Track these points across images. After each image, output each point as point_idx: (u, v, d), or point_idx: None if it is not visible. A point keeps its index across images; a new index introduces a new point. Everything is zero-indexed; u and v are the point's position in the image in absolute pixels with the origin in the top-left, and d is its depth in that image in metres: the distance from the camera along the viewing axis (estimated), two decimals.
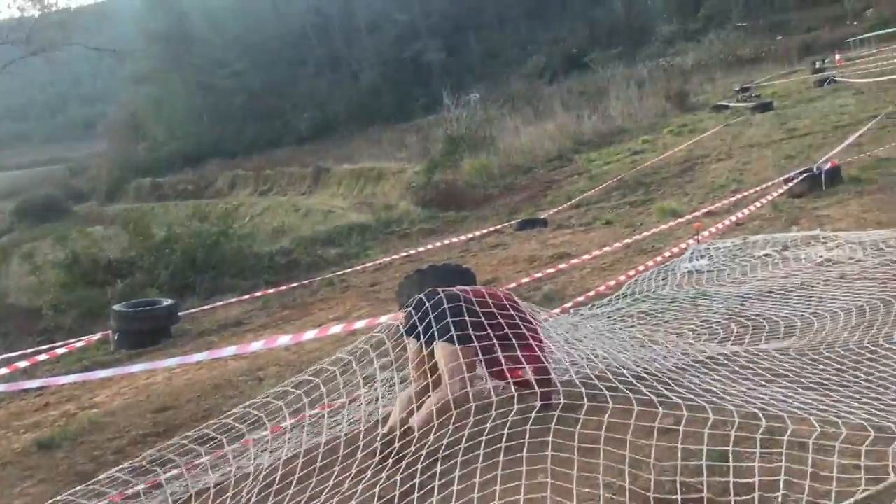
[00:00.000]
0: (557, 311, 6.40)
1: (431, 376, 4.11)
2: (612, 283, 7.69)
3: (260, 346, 6.30)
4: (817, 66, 33.07)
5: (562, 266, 8.90)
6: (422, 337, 4.08)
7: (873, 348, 4.46)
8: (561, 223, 14.27)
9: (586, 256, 9.03)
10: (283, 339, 6.18)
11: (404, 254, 13.27)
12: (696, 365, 4.58)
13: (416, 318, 4.13)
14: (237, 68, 74.02)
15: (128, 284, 12.46)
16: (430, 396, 4.08)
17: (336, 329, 6.32)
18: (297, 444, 4.52)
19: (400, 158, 38.95)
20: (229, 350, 6.08)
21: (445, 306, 4.08)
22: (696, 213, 11.28)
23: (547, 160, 24.14)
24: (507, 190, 20.98)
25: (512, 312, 4.20)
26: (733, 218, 9.58)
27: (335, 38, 75.26)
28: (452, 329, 3.96)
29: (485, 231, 14.41)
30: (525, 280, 8.27)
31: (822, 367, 4.32)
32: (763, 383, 4.16)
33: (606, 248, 9.43)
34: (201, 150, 66.62)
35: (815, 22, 50.34)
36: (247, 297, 11.05)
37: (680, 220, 10.82)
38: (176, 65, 73.54)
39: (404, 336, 4.30)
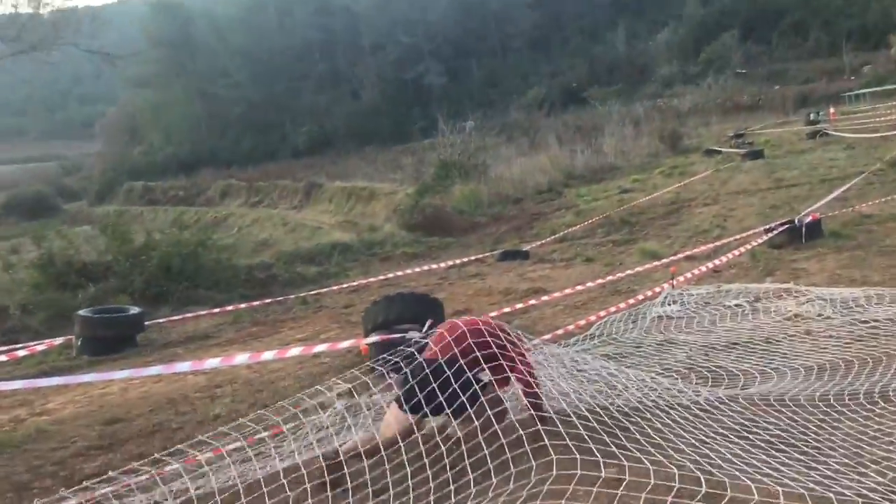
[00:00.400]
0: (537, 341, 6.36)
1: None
2: (583, 322, 7.61)
3: (216, 363, 6.19)
4: (811, 118, 33.37)
5: (535, 301, 8.84)
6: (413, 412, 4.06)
7: (825, 408, 4.40)
8: (542, 257, 14.22)
9: (560, 293, 8.97)
10: (241, 358, 6.08)
11: (383, 277, 13.17)
12: (651, 407, 4.49)
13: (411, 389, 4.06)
14: (238, 79, 74.21)
15: (100, 289, 12.26)
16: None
17: (295, 351, 6.23)
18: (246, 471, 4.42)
19: (393, 180, 38.95)
20: (184, 365, 5.97)
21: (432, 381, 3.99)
22: (677, 257, 11.25)
23: (537, 192, 24.17)
24: (495, 219, 20.94)
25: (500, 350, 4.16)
26: (711, 265, 9.55)
27: (338, 55, 75.66)
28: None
29: (466, 259, 14.34)
30: (495, 314, 8.17)
31: (773, 419, 4.26)
32: (713, 435, 4.08)
33: (581, 287, 9.36)
34: (196, 157, 66.56)
35: (812, 74, 50.92)
36: (217, 310, 10.91)
37: (659, 262, 10.79)
38: (177, 71, 73.67)
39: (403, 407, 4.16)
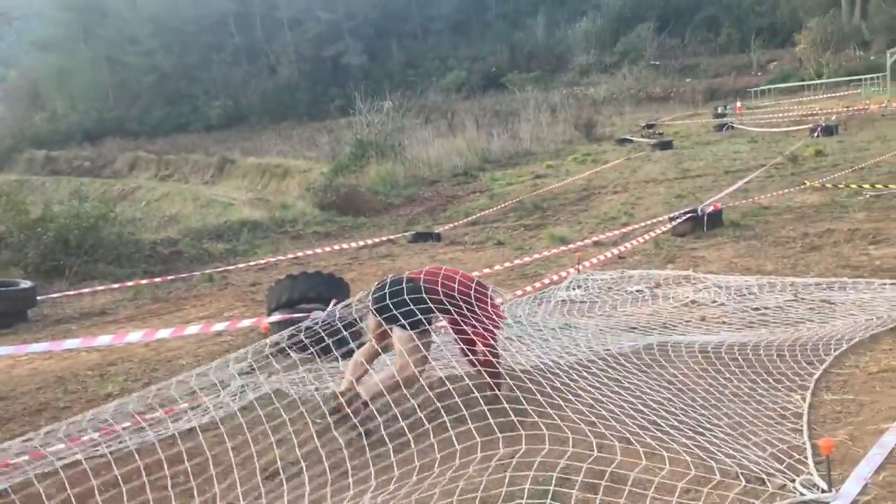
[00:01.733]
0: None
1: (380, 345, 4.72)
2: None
3: (109, 340, 5.97)
4: (719, 111, 34.49)
5: None
6: (378, 315, 4.50)
7: (710, 379, 4.58)
8: (454, 239, 14.27)
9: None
10: (135, 336, 5.86)
11: (292, 255, 12.98)
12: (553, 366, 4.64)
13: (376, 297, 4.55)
14: (149, 46, 71.61)
15: None
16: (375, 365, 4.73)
17: (193, 329, 6.06)
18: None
19: (309, 157, 38.49)
20: (73, 342, 5.72)
21: (404, 292, 4.45)
22: (584, 242, 11.46)
23: (452, 175, 24.27)
24: (409, 200, 20.91)
25: (473, 300, 4.58)
26: (616, 251, 9.76)
27: (255, 28, 73.95)
28: (406, 316, 4.36)
29: (378, 240, 14.27)
30: None
31: (665, 383, 4.43)
32: (610, 394, 4.23)
33: (490, 270, 9.43)
34: (103, 126, 64.15)
35: (722, 68, 52.60)
36: (117, 285, 10.53)
37: (567, 247, 10.96)
38: (84, 35, 70.68)
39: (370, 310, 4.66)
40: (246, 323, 6.51)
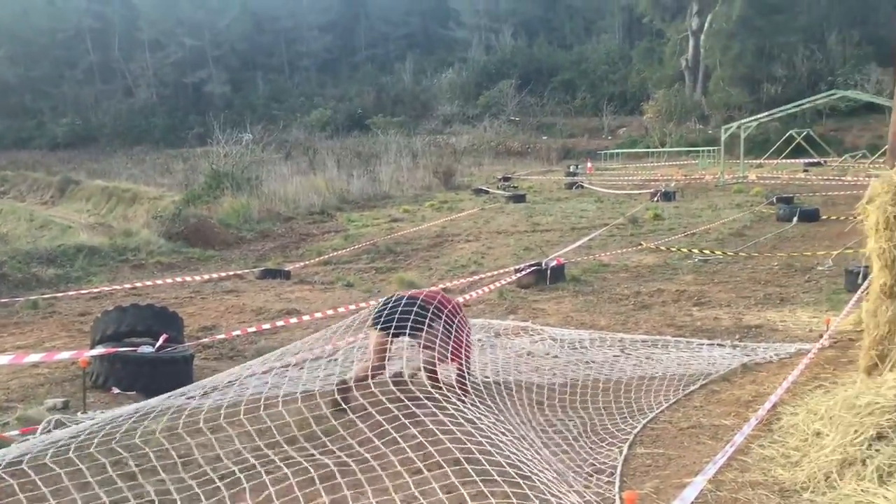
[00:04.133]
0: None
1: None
2: (329, 347, 7.57)
3: None
4: (571, 169, 36.08)
5: (284, 323, 8.67)
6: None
7: (539, 429, 4.68)
8: (304, 278, 14.04)
9: (312, 317, 8.89)
10: None
11: (130, 286, 12.36)
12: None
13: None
14: None
15: None
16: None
17: (3, 360, 5.64)
18: None
19: (161, 185, 37.05)
20: None
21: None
22: (433, 289, 11.57)
23: (309, 213, 24.09)
24: (262, 236, 20.49)
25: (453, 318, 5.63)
26: (462, 299, 9.90)
27: (113, 46, 71.01)
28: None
29: (224, 274, 13.85)
30: (237, 333, 7.92)
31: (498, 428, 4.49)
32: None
33: (333, 311, 9.33)
34: None
35: (576, 130, 55.30)
36: None
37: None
38: None
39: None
40: (65, 355, 6.13)
